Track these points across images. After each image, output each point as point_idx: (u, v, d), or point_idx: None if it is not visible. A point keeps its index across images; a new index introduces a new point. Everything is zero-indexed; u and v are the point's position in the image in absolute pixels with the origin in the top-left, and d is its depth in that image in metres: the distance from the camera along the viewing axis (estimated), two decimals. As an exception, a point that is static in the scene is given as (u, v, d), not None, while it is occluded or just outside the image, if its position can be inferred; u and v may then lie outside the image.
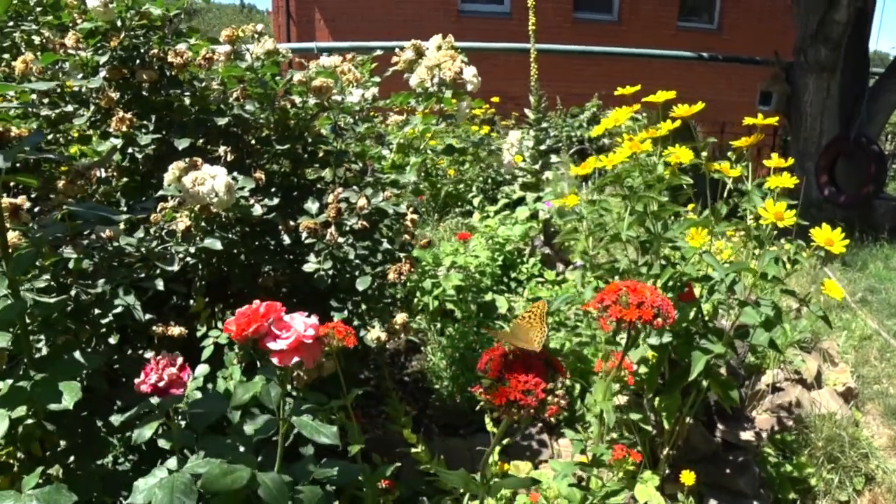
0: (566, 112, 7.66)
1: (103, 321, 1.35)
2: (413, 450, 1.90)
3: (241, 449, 1.02)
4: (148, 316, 1.50)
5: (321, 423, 0.95)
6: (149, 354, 1.59)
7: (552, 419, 2.49)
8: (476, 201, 4.24)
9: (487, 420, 1.68)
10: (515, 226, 3.79)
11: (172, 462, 0.98)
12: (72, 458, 1.12)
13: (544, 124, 6.23)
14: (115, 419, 1.09)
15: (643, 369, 1.97)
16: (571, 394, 2.60)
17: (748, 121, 1.87)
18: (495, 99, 6.48)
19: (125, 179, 1.67)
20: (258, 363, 1.82)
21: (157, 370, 0.87)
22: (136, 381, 0.88)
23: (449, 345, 2.86)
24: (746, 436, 2.40)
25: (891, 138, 9.72)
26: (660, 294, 0.97)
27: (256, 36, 1.60)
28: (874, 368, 3.42)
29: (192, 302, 1.75)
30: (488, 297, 3.34)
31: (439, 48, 1.91)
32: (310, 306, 1.93)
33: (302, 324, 0.91)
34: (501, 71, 7.55)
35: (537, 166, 4.41)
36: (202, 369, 1.58)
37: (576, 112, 7.60)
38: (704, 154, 1.80)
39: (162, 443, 0.98)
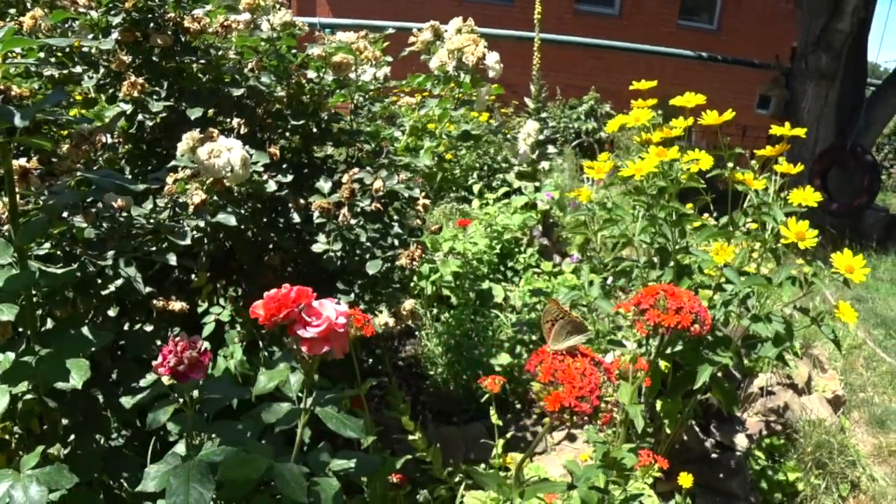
0: (565, 103, 7.62)
1: (103, 293, 1.30)
2: (410, 437, 1.87)
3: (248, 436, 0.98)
4: (148, 289, 1.46)
5: (346, 416, 0.91)
6: (148, 328, 1.55)
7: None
8: (476, 188, 4.19)
9: (493, 412, 1.65)
10: (514, 215, 3.76)
11: (181, 447, 0.93)
12: (72, 437, 1.07)
13: (543, 114, 6.20)
14: (126, 401, 1.04)
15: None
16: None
17: (775, 130, 1.84)
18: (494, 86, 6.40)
19: (129, 147, 1.61)
20: (259, 343, 1.78)
21: (175, 353, 0.83)
22: (154, 363, 0.84)
23: (445, 331, 2.83)
24: (739, 438, 2.39)
25: (879, 149, 9.78)
26: (697, 300, 0.94)
27: (277, 6, 1.54)
28: (860, 377, 3.44)
29: (193, 277, 1.70)
30: (485, 285, 3.31)
31: (459, 31, 1.86)
32: (316, 287, 1.90)
33: (333, 310, 0.86)
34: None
35: (534, 156, 4.37)
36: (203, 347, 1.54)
37: (574, 104, 7.58)
38: (730, 165, 1.77)
39: (170, 426, 0.94)
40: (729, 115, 1.85)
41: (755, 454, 2.39)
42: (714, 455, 2.27)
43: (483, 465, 2.05)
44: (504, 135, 4.53)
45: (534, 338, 2.74)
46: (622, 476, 1.03)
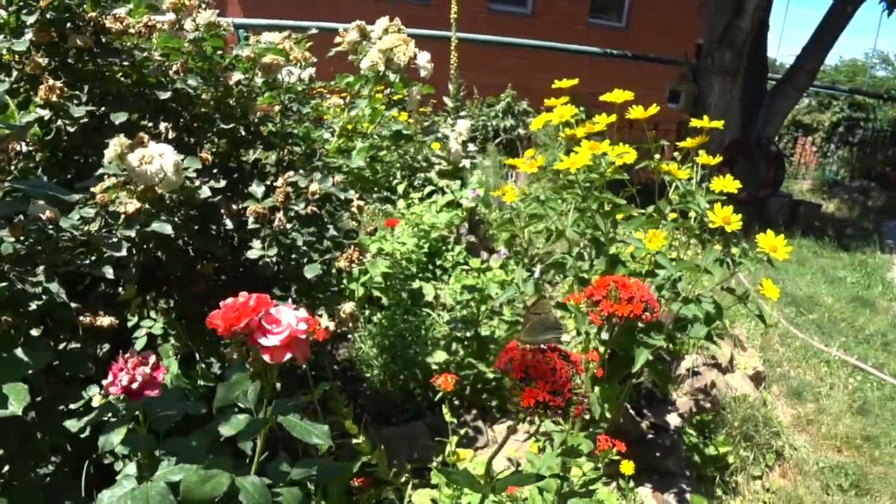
0: (483, 102, 7.71)
1: (28, 311, 1.22)
2: (354, 441, 1.85)
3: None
4: (74, 305, 1.38)
5: (311, 423, 0.89)
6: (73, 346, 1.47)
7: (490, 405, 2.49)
8: (401, 188, 4.18)
9: (445, 410, 1.66)
10: (441, 213, 3.78)
11: (131, 468, 0.89)
12: (6, 468, 1.00)
13: (462, 113, 6.24)
14: (72, 424, 0.99)
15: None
16: (503, 380, 2.62)
17: (695, 123, 1.92)
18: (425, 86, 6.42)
19: (46, 155, 1.52)
20: (196, 354, 1.72)
21: (128, 370, 0.78)
22: (105, 382, 0.79)
23: (378, 332, 2.81)
24: (672, 418, 2.49)
25: (780, 138, 10.35)
26: (646, 289, 0.97)
27: (204, 6, 1.49)
28: (777, 353, 3.65)
29: (120, 290, 1.63)
30: (415, 284, 3.31)
31: (386, 31, 1.86)
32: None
33: (293, 317, 0.84)
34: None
35: (464, 154, 4.39)
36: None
37: (492, 102, 7.67)
38: (657, 156, 1.84)
39: (119, 449, 0.89)
40: (654, 109, 1.92)
41: (687, 432, 2.50)
42: (650, 436, 2.35)
43: (435, 463, 2.05)
44: (426, 135, 4.53)
45: (468, 334, 2.76)
46: (577, 464, 1.06)
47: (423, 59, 1.72)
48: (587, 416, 2.15)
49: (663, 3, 10.97)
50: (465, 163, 4.45)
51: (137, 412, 0.86)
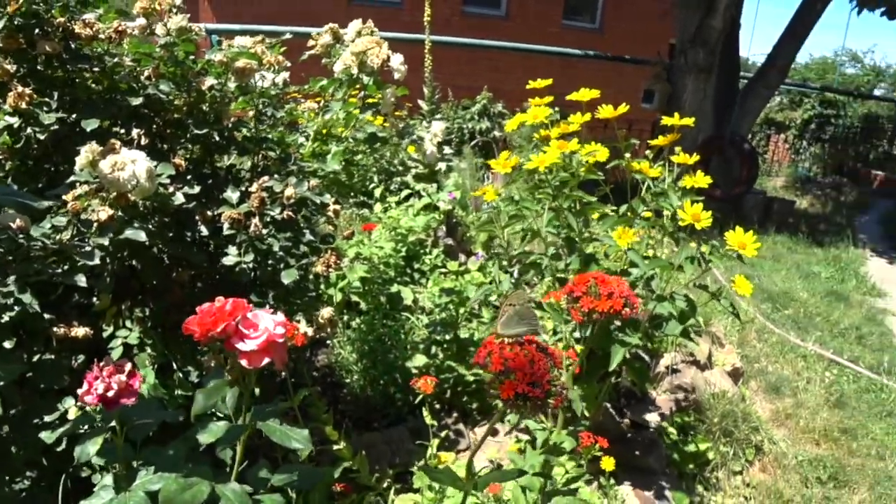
0: (458, 104, 7.71)
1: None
2: (336, 447, 1.84)
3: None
4: (47, 316, 1.36)
5: (291, 428, 0.88)
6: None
7: (471, 407, 2.49)
8: (377, 192, 4.18)
9: (426, 413, 1.66)
10: (418, 217, 3.78)
11: (108, 479, 0.87)
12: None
13: (437, 115, 6.25)
14: (47, 436, 0.97)
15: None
16: (483, 382, 2.63)
17: (666, 121, 1.94)
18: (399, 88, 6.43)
19: (16, 163, 1.50)
20: (174, 364, 1.70)
21: (103, 379, 0.77)
22: (80, 391, 0.78)
23: (357, 338, 2.80)
24: (651, 416, 2.51)
25: (753, 136, 10.50)
26: (625, 285, 0.98)
27: (175, 10, 1.47)
28: (754, 349, 3.69)
29: (95, 300, 1.60)
30: (394, 288, 3.31)
31: (359, 34, 1.85)
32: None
33: (270, 321, 0.83)
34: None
35: (439, 156, 4.39)
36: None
37: (467, 104, 7.68)
38: (627, 155, 1.86)
39: (96, 460, 0.87)
40: (623, 108, 1.94)
41: (667, 429, 2.51)
42: (630, 434, 2.37)
43: (418, 466, 2.05)
44: (401, 137, 4.53)
45: (447, 337, 2.76)
46: (560, 462, 1.06)
47: (397, 61, 1.72)
48: (568, 415, 2.16)
49: (636, 5, 11.08)
50: (441, 165, 4.45)
51: (114, 422, 0.84)
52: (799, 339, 3.92)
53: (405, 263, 3.57)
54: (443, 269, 3.54)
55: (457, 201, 4.03)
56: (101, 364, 0.80)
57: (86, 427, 0.97)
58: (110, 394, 0.77)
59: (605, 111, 1.95)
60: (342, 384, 2.71)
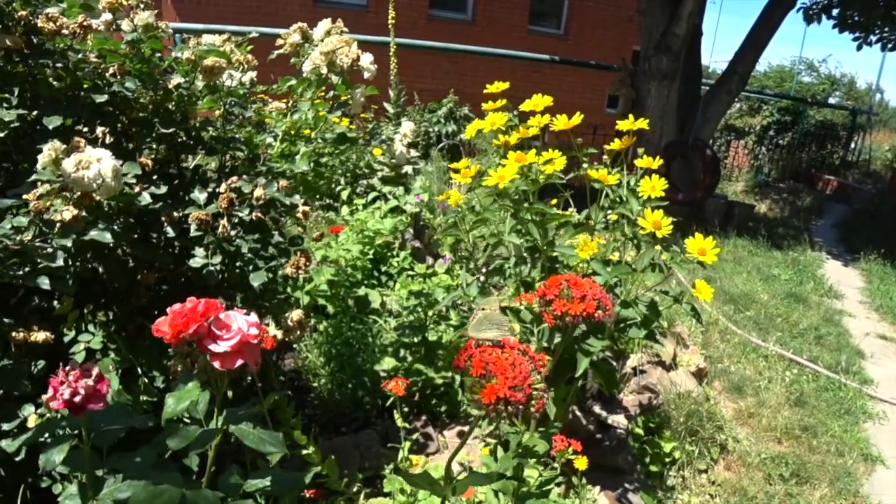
0: (424, 107, 7.72)
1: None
2: (304, 451, 1.81)
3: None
4: (6, 320, 1.32)
5: (265, 432, 0.86)
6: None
7: (440, 410, 2.47)
8: (344, 194, 4.15)
9: (397, 415, 1.64)
10: (385, 219, 3.76)
11: (72, 489, 0.84)
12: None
13: (403, 118, 6.23)
14: (8, 445, 0.93)
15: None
16: (452, 385, 2.62)
17: (621, 125, 1.96)
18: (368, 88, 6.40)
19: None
20: (138, 369, 1.66)
21: (69, 384, 0.74)
22: (45, 396, 0.75)
23: (325, 341, 2.78)
24: (619, 417, 2.53)
25: (713, 141, 10.71)
26: (598, 287, 0.98)
27: (142, 6, 1.44)
28: (717, 349, 3.75)
29: (55, 303, 1.56)
30: (361, 291, 3.29)
31: (328, 33, 1.83)
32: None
33: (244, 322, 0.81)
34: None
35: (408, 156, 4.38)
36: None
37: (434, 108, 7.69)
38: (585, 165, 1.87)
39: (59, 470, 0.84)
40: (577, 118, 1.94)
41: (634, 430, 2.54)
42: (598, 435, 2.38)
43: (387, 470, 2.03)
44: (367, 140, 4.51)
45: (416, 340, 2.75)
46: (531, 465, 1.06)
47: (367, 60, 1.71)
48: (538, 417, 2.17)
49: (600, 12, 11.23)
50: (408, 168, 4.44)
51: (80, 428, 0.81)
52: (760, 339, 4.00)
53: (372, 266, 3.56)
54: (410, 272, 3.53)
55: (424, 204, 4.02)
56: (67, 368, 0.77)
57: (47, 435, 0.94)
58: (77, 399, 0.74)
59: (560, 122, 1.95)
60: (309, 388, 2.68)
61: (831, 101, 12.64)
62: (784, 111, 11.39)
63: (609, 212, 1.95)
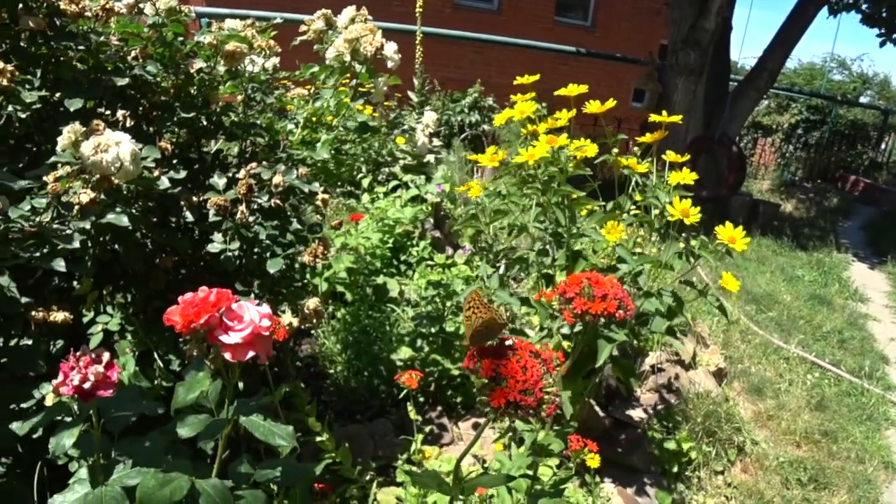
0: (448, 96, 7.68)
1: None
2: (318, 438, 1.81)
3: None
4: (25, 299, 1.32)
5: (274, 423, 0.86)
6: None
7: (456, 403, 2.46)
8: (365, 182, 4.14)
9: (410, 407, 1.63)
10: (406, 208, 3.75)
11: (83, 472, 0.84)
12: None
13: (427, 108, 6.20)
14: (18, 427, 0.93)
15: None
16: (468, 377, 2.61)
17: (654, 118, 1.94)
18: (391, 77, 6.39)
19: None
20: (154, 353, 1.66)
21: (78, 369, 0.74)
22: (55, 382, 0.74)
23: (342, 328, 2.78)
24: (636, 414, 2.51)
25: (740, 139, 10.56)
26: (619, 286, 0.96)
27: (166, -12, 1.43)
28: (738, 350, 3.70)
29: (75, 284, 1.56)
30: (380, 279, 3.29)
31: (353, 20, 1.82)
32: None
33: (256, 313, 0.80)
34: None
35: (430, 146, 4.36)
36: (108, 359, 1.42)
37: (458, 97, 7.64)
38: (615, 150, 1.85)
39: (72, 451, 0.84)
40: (611, 103, 1.93)
41: (651, 428, 2.51)
42: (613, 432, 2.36)
43: (400, 461, 2.03)
44: (389, 129, 4.49)
45: (433, 330, 2.74)
46: (547, 464, 1.04)
47: (391, 49, 1.69)
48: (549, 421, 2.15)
49: (628, 4, 11.09)
50: (430, 158, 4.42)
51: (91, 413, 0.81)
52: (782, 341, 3.94)
53: (392, 255, 3.55)
54: (429, 262, 3.52)
55: (445, 194, 4.00)
56: (78, 353, 0.76)
57: (63, 416, 0.94)
58: (87, 385, 0.74)
59: (593, 106, 1.93)
60: (325, 375, 2.68)
61: (862, 100, 12.38)
62: (813, 109, 11.18)
63: (635, 202, 1.93)
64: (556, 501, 0.94)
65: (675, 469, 2.49)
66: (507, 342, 0.82)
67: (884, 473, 2.83)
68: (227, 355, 0.79)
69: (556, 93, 2.03)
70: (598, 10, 11.15)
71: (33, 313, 1.30)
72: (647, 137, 1.98)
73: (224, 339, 0.78)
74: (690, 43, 5.93)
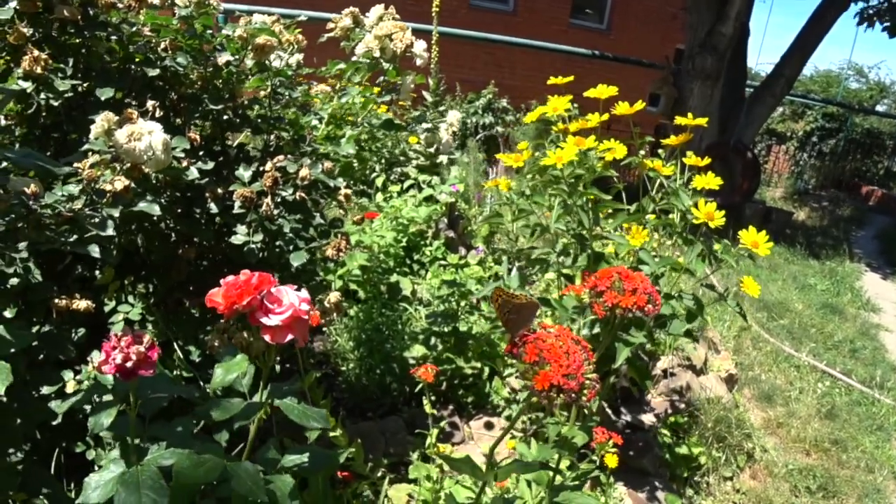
0: (463, 97, 7.69)
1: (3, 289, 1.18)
2: (332, 434, 1.83)
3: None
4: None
5: (308, 407, 0.87)
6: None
7: (467, 401, 2.47)
8: (379, 181, 4.16)
9: (426, 402, 1.64)
10: (420, 207, 3.76)
11: (115, 453, 0.85)
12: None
13: (441, 108, 6.21)
14: (57, 406, 0.95)
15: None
16: (480, 376, 2.62)
17: (680, 120, 1.94)
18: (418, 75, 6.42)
19: (24, 130, 1.47)
20: (175, 344, 1.68)
21: (121, 349, 0.75)
22: (98, 360, 0.76)
23: (355, 326, 2.79)
24: (647, 418, 2.51)
25: (755, 145, 10.51)
26: (648, 281, 0.97)
27: (197, -19, 1.45)
28: (748, 356, 3.70)
29: (97, 273, 1.58)
30: (393, 278, 3.30)
31: (381, 18, 1.83)
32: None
33: (295, 297, 0.81)
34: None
35: (432, 149, 4.37)
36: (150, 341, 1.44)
37: (472, 98, 7.65)
38: (642, 152, 1.85)
39: (105, 434, 0.85)
40: (640, 105, 1.93)
41: (662, 432, 2.51)
42: (625, 435, 2.36)
43: (415, 456, 2.04)
44: (403, 128, 4.50)
45: (446, 329, 2.74)
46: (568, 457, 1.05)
47: (420, 47, 1.70)
48: (588, 406, 2.15)
49: (643, 8, 11.06)
50: (443, 158, 4.43)
51: (128, 393, 0.82)
52: (793, 349, 3.93)
53: (405, 254, 3.56)
54: (443, 262, 3.53)
55: (459, 194, 4.01)
56: (119, 333, 0.78)
57: (95, 398, 0.95)
58: (129, 364, 0.75)
59: (621, 108, 1.94)
60: (338, 372, 2.69)
61: (879, 108, 12.30)
62: (829, 117, 11.12)
63: (657, 204, 1.94)
64: (577, 495, 0.94)
65: (685, 474, 2.49)
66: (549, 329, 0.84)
67: (893, 483, 2.83)
68: (267, 337, 0.80)
69: (585, 94, 2.04)
70: (614, 13, 11.13)
71: (56, 301, 1.31)
72: (672, 140, 1.99)
73: (265, 321, 0.79)
74: (708, 48, 5.92)
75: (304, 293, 0.83)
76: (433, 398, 2.56)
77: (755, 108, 6.35)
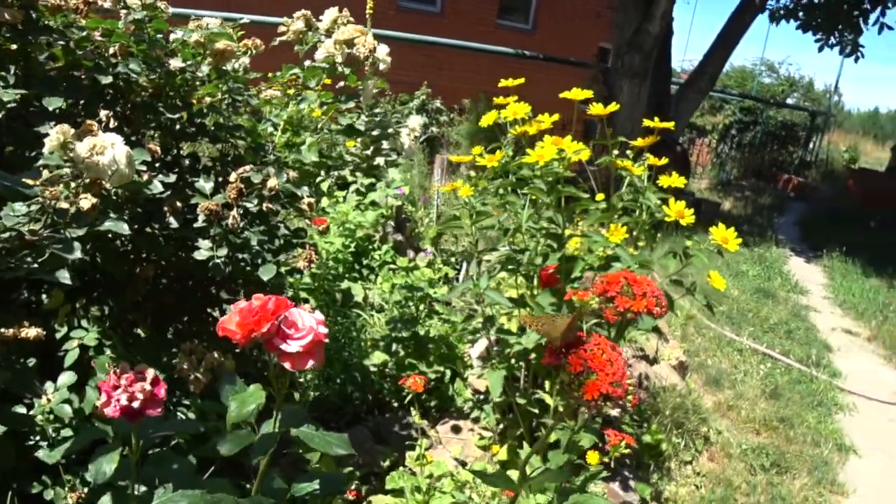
0: (395, 99, 7.64)
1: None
2: (300, 450, 1.76)
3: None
4: (-1, 315, 1.23)
5: (327, 433, 0.81)
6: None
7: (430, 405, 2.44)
8: (324, 185, 4.07)
9: (415, 412, 1.60)
10: (367, 212, 3.70)
11: (106, 500, 0.78)
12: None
13: (377, 110, 6.15)
14: (47, 455, 0.86)
15: (533, 355, 2.00)
16: (443, 380, 2.59)
17: (647, 123, 1.98)
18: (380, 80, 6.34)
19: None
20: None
21: (124, 388, 0.67)
22: (99, 403, 0.68)
23: (309, 336, 2.71)
24: (613, 411, 2.54)
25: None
26: (655, 285, 0.96)
27: (148, -17, 1.36)
28: (694, 343, 3.80)
29: (44, 297, 1.47)
30: (344, 284, 3.24)
31: (335, 22, 1.77)
32: (197, 297, 1.72)
33: (311, 319, 0.76)
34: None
35: (369, 152, 4.32)
36: (67, 378, 1.33)
37: (405, 100, 7.61)
38: (615, 152, 1.87)
39: (106, 472, 0.77)
40: (614, 106, 1.96)
41: (625, 422, 2.55)
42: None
43: (386, 465, 1.99)
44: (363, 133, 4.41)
45: (405, 334, 2.70)
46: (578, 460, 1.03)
47: (383, 51, 1.65)
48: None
49: (568, 8, 11.27)
50: (380, 160, 4.38)
51: (129, 434, 0.75)
52: (734, 333, 4.07)
53: (354, 259, 3.50)
54: (392, 265, 3.48)
55: (405, 196, 3.97)
56: (118, 371, 0.70)
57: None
58: (136, 404, 0.68)
59: (575, 93, 1.96)
60: (295, 383, 2.62)
61: (789, 101, 12.93)
62: (746, 111, 11.61)
63: (626, 202, 1.97)
64: (588, 497, 0.93)
65: (648, 461, 2.53)
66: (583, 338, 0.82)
67: (837, 455, 2.96)
68: (287, 364, 0.74)
69: (499, 85, 2.06)
70: (539, 13, 11.29)
71: (2, 330, 1.20)
72: (640, 142, 2.03)
73: (284, 347, 0.73)
74: (635, 46, 6.07)
75: (319, 314, 0.78)
76: (395, 404, 2.51)
77: (682, 104, 6.55)
